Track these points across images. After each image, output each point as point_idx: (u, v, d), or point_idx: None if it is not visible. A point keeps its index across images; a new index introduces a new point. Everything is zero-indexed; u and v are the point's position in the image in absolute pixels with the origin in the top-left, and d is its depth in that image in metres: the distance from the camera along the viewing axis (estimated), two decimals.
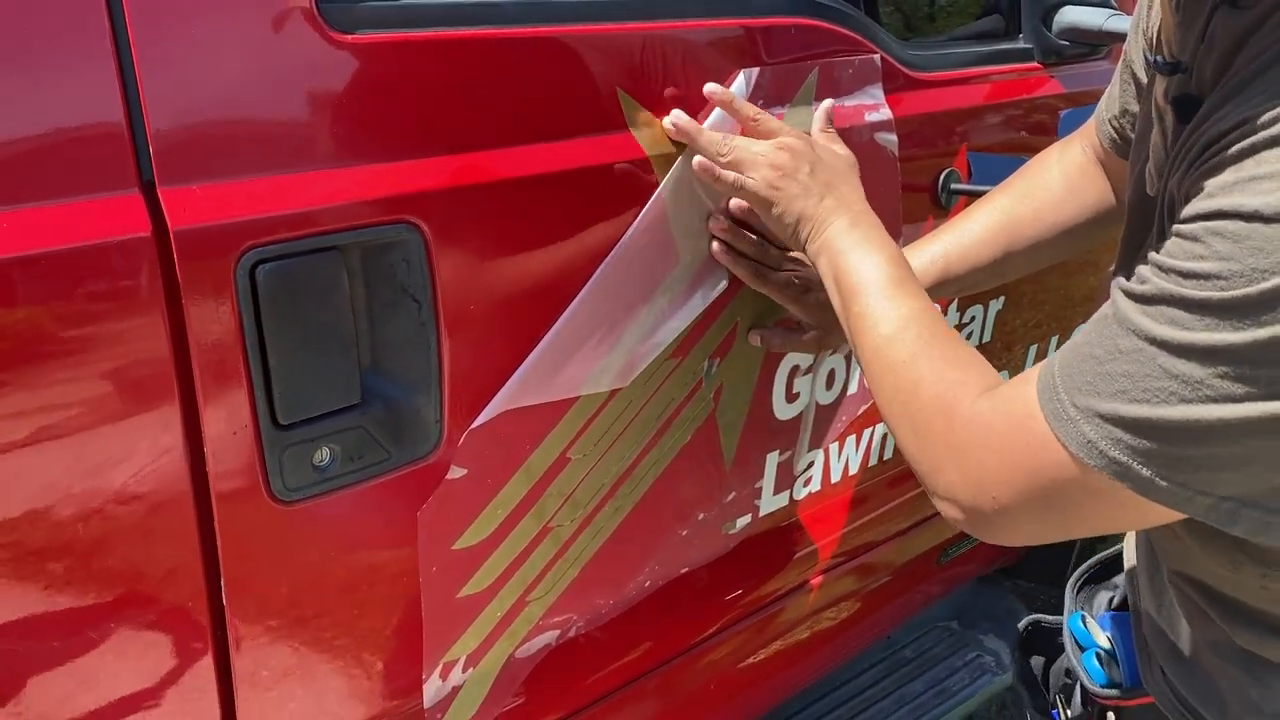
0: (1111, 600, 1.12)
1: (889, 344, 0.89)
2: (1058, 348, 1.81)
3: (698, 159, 1.03)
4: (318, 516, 0.89)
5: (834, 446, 1.46)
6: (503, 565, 1.06)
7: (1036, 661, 1.17)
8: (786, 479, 1.40)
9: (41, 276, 0.70)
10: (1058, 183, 1.20)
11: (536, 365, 0.99)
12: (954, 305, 1.52)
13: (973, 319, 1.58)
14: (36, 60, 0.69)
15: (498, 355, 0.97)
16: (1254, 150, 0.63)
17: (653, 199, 1.04)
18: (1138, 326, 0.66)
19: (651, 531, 1.22)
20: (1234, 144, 0.65)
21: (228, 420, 0.80)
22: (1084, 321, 1.85)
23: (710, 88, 1.05)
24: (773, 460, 1.35)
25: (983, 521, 0.79)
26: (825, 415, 1.41)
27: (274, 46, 0.79)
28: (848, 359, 1.39)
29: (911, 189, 1.37)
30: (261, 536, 0.86)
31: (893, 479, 1.62)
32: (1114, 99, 1.09)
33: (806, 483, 1.44)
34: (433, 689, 1.05)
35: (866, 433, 1.51)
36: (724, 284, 1.15)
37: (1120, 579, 1.13)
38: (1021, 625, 1.18)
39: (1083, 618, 1.08)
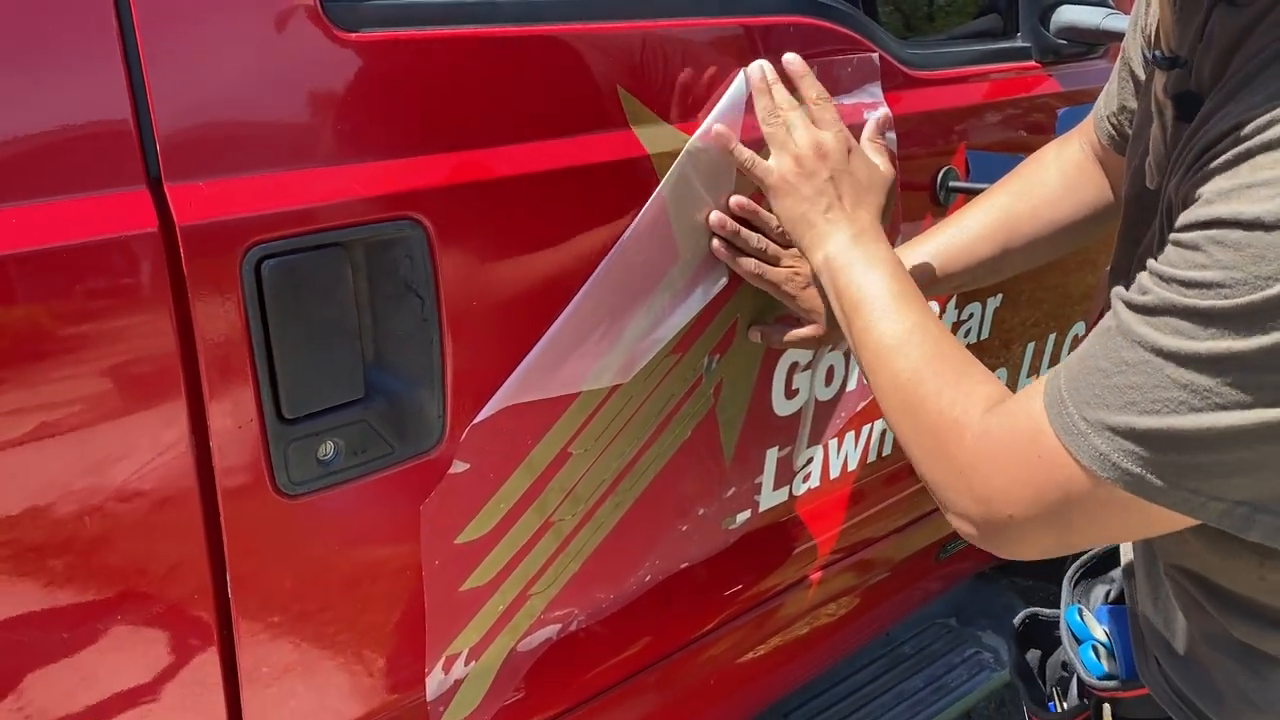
0: (1108, 594, 1.13)
1: (893, 360, 0.89)
2: (1056, 345, 1.82)
3: (718, 126, 1.06)
4: (322, 510, 0.89)
5: (833, 442, 1.47)
6: (505, 559, 1.07)
7: (1033, 655, 1.18)
8: (786, 474, 1.40)
9: (50, 271, 0.71)
10: (1055, 180, 1.21)
11: (538, 361, 1.00)
12: (952, 302, 1.53)
13: (970, 316, 1.58)
14: (46, 59, 0.70)
15: (500, 351, 0.98)
16: (1249, 155, 0.63)
17: (653, 196, 1.05)
18: (1143, 338, 0.66)
19: (652, 526, 1.23)
20: (1230, 149, 0.65)
21: (233, 414, 0.81)
22: (1082, 319, 1.86)
23: (789, 57, 1.08)
24: (772, 456, 1.36)
25: (996, 537, 0.79)
26: (824, 411, 1.41)
27: (279, 45, 0.80)
28: (846, 355, 1.40)
29: (910, 187, 1.38)
30: (267, 529, 0.87)
31: (891, 475, 1.63)
32: (1112, 96, 1.10)
33: (806, 478, 1.45)
34: (435, 682, 1.06)
35: (865, 429, 1.52)
36: (724, 281, 1.16)
37: (1117, 573, 1.14)
38: (1018, 618, 1.19)
39: (1079, 611, 1.08)
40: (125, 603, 0.82)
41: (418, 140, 0.88)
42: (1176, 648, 0.93)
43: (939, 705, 1.83)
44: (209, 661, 0.88)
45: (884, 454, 1.58)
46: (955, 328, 1.57)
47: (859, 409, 1.47)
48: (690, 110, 1.07)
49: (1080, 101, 1.59)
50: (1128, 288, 0.70)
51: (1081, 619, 1.08)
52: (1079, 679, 1.07)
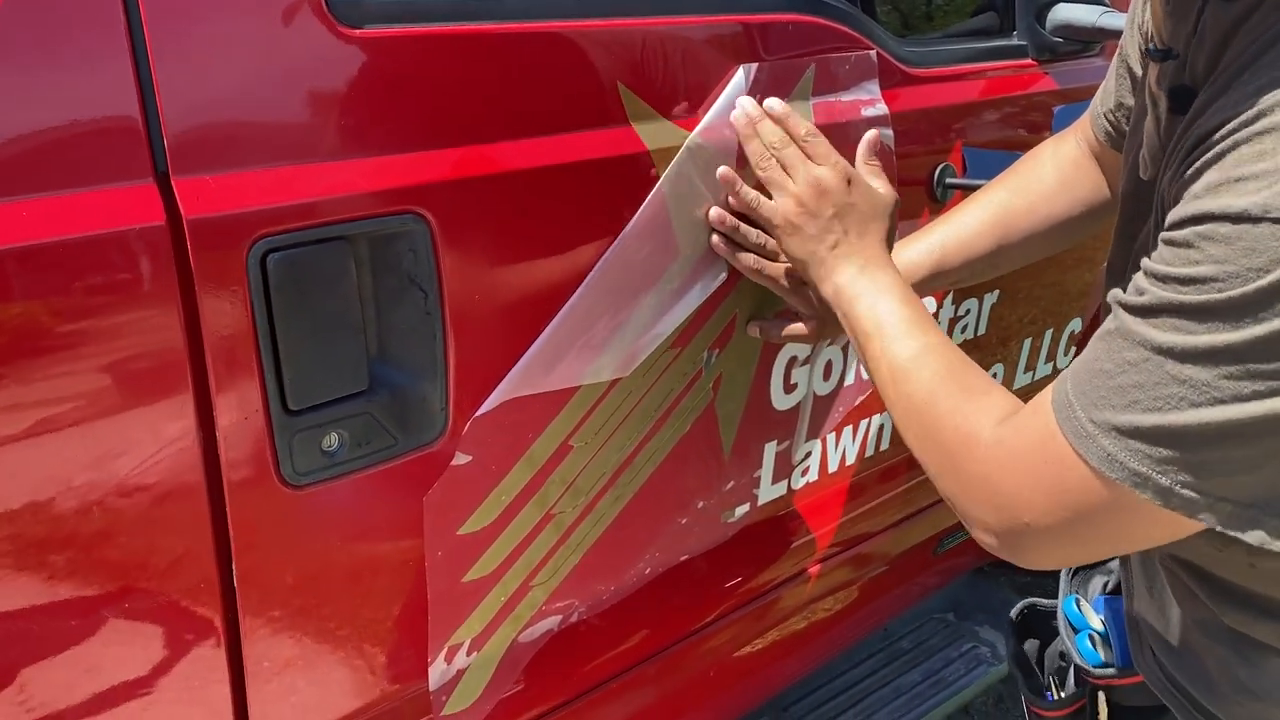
0: (1106, 585, 1.14)
1: (906, 383, 0.91)
2: (1052, 342, 1.83)
3: (724, 170, 1.06)
4: (327, 501, 0.90)
5: (831, 437, 1.48)
6: (506, 551, 1.08)
7: (1031, 645, 1.19)
8: (784, 468, 1.41)
9: (60, 264, 0.72)
10: (1052, 176, 1.22)
11: (539, 355, 1.01)
12: (949, 298, 1.54)
13: (967, 312, 1.59)
14: (56, 56, 0.71)
15: (501, 345, 0.99)
16: (1235, 148, 0.64)
17: (653, 192, 1.06)
18: (1143, 337, 0.67)
19: (652, 519, 1.24)
20: (1218, 143, 0.66)
21: (239, 405, 0.82)
22: (1079, 316, 1.87)
23: (770, 102, 1.07)
24: (771, 450, 1.37)
25: (1016, 546, 0.80)
26: (822, 406, 1.42)
27: (284, 41, 0.81)
28: (845, 350, 1.41)
29: (907, 183, 1.39)
30: (272, 519, 0.88)
31: (889, 469, 1.64)
32: (1110, 93, 1.11)
33: (804, 472, 1.46)
34: (438, 672, 1.07)
35: (863, 423, 1.53)
36: (723, 276, 1.17)
37: (1115, 564, 1.15)
38: (1016, 608, 1.20)
39: (1077, 601, 1.10)
40: (132, 592, 0.82)
41: (421, 135, 0.89)
42: (1171, 636, 0.94)
43: (937, 699, 1.84)
44: (214, 649, 0.89)
45: (881, 449, 1.59)
46: (952, 323, 1.58)
47: (857, 404, 1.48)
48: (690, 107, 1.08)
49: (1076, 99, 1.60)
50: (1125, 284, 0.71)
51: (1079, 609, 1.09)
52: (1075, 667, 1.08)
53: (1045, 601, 1.19)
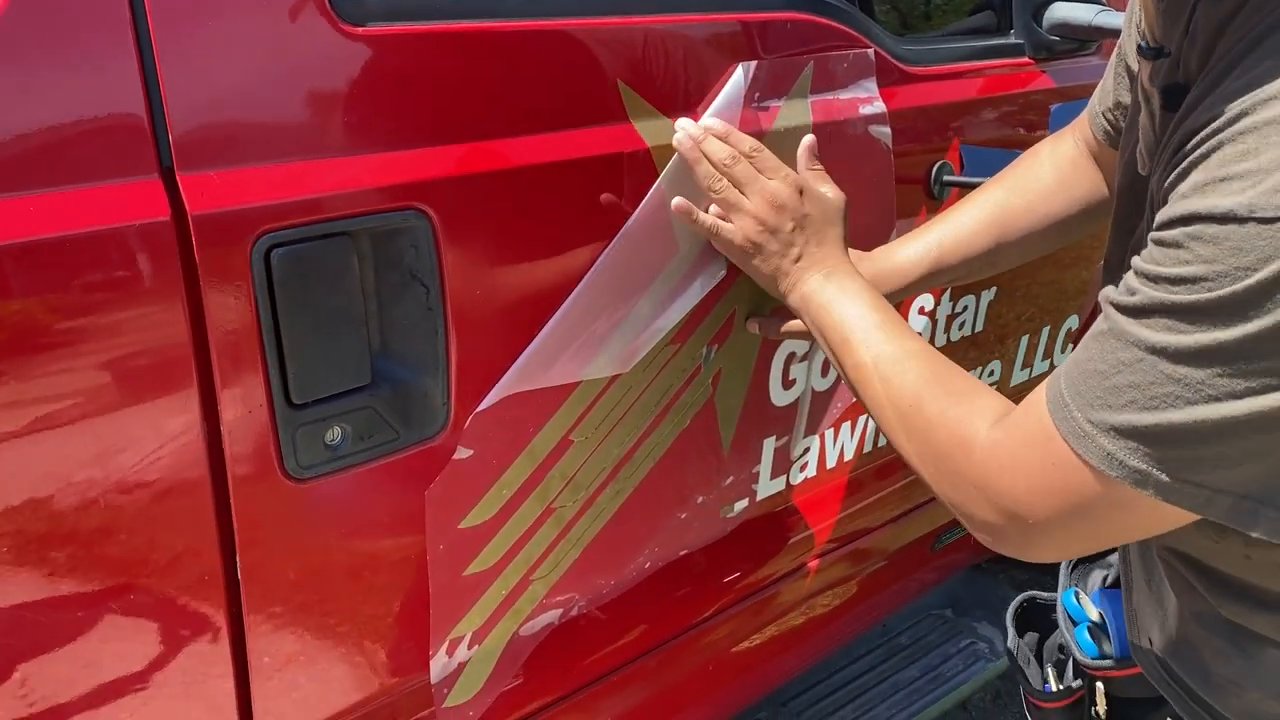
0: (1105, 578, 1.15)
1: (890, 389, 0.91)
2: (1049, 339, 1.84)
3: (677, 201, 1.06)
4: (329, 494, 0.91)
5: (829, 433, 1.48)
6: (507, 544, 1.08)
7: (1030, 638, 1.20)
8: (783, 464, 1.42)
9: (66, 259, 0.72)
10: (1049, 175, 1.22)
11: (540, 351, 1.02)
12: (946, 295, 1.55)
13: (965, 309, 1.60)
14: (63, 54, 0.72)
15: (503, 340, 1.00)
16: (1220, 147, 0.65)
17: (652, 189, 1.06)
18: (1136, 337, 0.68)
19: (651, 514, 1.25)
20: (1204, 142, 0.66)
21: (244, 399, 0.83)
22: (1076, 314, 1.88)
23: (708, 121, 1.07)
24: (769, 445, 1.38)
25: (1019, 543, 0.81)
26: (821, 402, 1.43)
27: (288, 38, 0.82)
28: None
29: (905, 181, 1.40)
30: (275, 513, 0.88)
31: (886, 465, 1.65)
32: (1108, 92, 1.11)
33: (803, 468, 1.46)
34: (439, 664, 1.08)
35: (861, 419, 1.53)
36: (722, 273, 1.17)
37: (1114, 558, 1.15)
38: (1016, 601, 1.21)
39: (1076, 594, 1.10)
40: (137, 586, 0.83)
41: (423, 132, 0.90)
42: (1168, 628, 0.95)
43: (935, 695, 1.85)
44: (218, 642, 0.90)
45: (879, 444, 1.60)
46: (950, 320, 1.58)
47: (854, 400, 1.48)
48: (688, 104, 1.08)
49: (1073, 97, 1.61)
50: (1118, 284, 0.72)
51: (1078, 601, 1.10)
52: (1074, 659, 1.09)
53: (1045, 595, 1.20)
